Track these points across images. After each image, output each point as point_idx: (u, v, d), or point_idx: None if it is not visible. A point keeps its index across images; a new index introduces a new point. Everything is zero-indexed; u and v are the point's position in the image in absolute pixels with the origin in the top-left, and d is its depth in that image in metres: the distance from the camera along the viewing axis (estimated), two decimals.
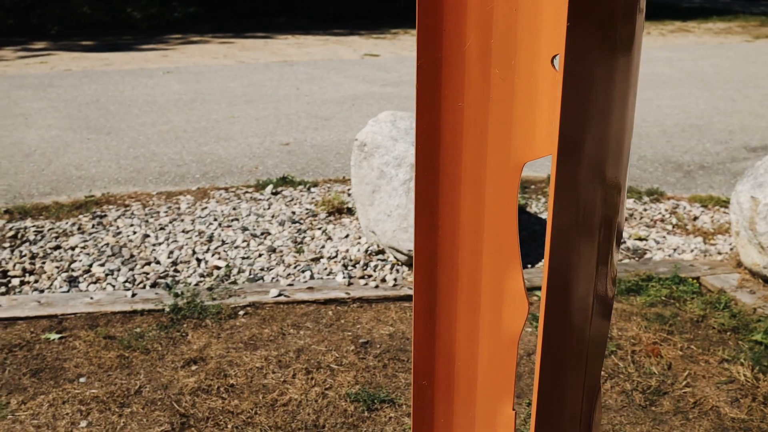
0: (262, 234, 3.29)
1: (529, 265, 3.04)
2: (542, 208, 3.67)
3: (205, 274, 2.94)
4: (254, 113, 5.99)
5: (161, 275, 2.92)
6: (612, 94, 0.72)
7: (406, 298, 2.78)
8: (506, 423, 0.99)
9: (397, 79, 7.72)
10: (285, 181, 4.02)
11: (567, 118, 0.67)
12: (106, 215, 3.53)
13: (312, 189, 3.91)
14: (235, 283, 2.88)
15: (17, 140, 5.06)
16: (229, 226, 3.38)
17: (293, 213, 3.54)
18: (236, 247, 3.16)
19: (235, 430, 2.01)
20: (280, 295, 2.76)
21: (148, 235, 3.28)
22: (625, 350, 2.41)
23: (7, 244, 3.19)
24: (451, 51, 0.89)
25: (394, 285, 2.85)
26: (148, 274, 2.93)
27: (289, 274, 2.93)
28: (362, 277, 2.90)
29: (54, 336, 2.51)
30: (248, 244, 3.19)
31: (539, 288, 2.87)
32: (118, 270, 2.96)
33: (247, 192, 3.88)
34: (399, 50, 10.70)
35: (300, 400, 2.15)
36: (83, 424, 2.04)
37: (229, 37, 13.29)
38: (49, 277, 2.91)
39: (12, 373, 2.29)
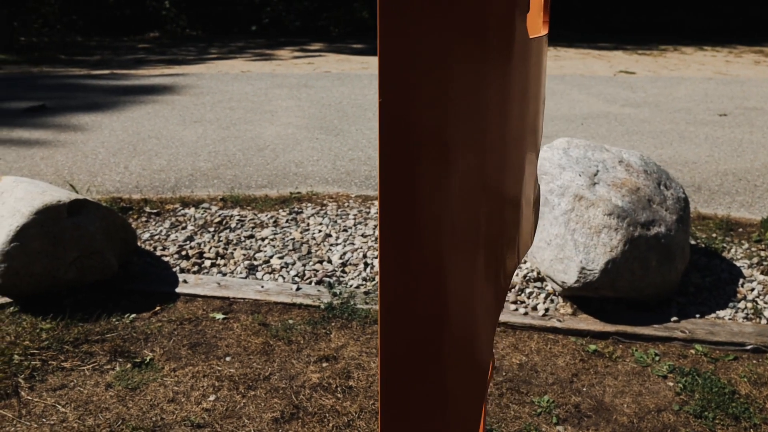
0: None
1: (698, 315, 2.82)
2: (741, 254, 3.36)
3: (367, 278, 3.10)
4: None
5: (328, 274, 3.13)
6: (485, 102, 0.70)
7: (552, 329, 2.72)
8: None
9: (640, 99, 7.40)
10: None
11: (394, 117, 0.68)
12: (301, 212, 3.83)
13: None
14: None
15: (257, 135, 5.62)
16: None
17: None
18: None
19: (334, 429, 2.13)
20: None
21: (330, 235, 3.51)
22: None
23: (212, 229, 3.60)
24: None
25: (544, 315, 2.80)
26: (317, 271, 3.15)
27: None
28: (514, 302, 2.88)
29: (219, 316, 2.80)
30: None
31: (701, 341, 2.67)
32: (293, 264, 3.21)
33: None
34: (659, 68, 10.20)
35: None
36: (211, 398, 2.28)
37: None
38: (234, 263, 3.24)
39: (175, 343, 2.61)
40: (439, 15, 0.62)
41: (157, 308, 2.85)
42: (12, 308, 2.79)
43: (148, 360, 2.49)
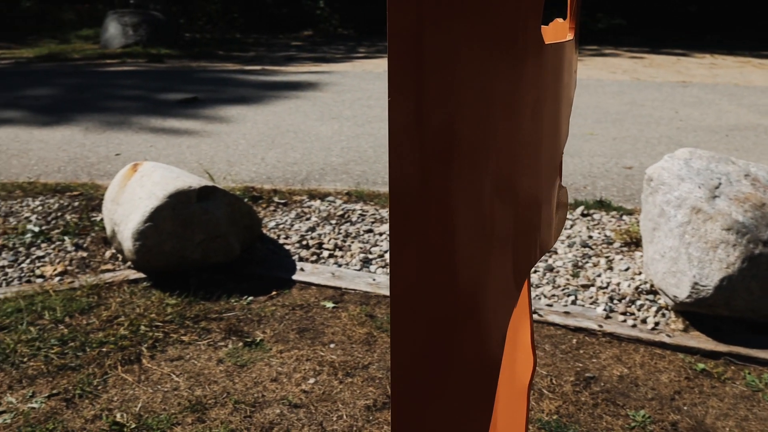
0: (548, 251, 3.36)
1: None
2: None
3: None
4: (615, 133, 5.93)
5: None
6: (493, 104, 0.73)
7: (660, 344, 2.65)
8: None
9: None
10: (601, 204, 3.99)
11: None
12: None
13: (624, 217, 3.83)
14: None
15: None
16: None
17: (590, 237, 3.53)
18: None
19: None
20: (534, 312, 2.83)
21: None
22: None
23: (333, 221, 3.74)
24: None
25: (653, 328, 2.72)
26: None
27: (553, 295, 2.98)
28: (623, 313, 2.82)
29: (330, 304, 2.92)
30: None
31: None
32: None
33: None
34: None
35: None
36: (311, 381, 2.39)
37: (645, 51, 13.02)
38: (351, 255, 3.35)
39: (285, 326, 2.75)
40: (447, 16, 0.67)
41: (273, 293, 3.00)
42: (145, 283, 3.03)
43: (258, 340, 2.64)
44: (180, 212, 2.96)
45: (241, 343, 2.62)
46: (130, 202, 3.04)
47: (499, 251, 0.78)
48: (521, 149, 0.76)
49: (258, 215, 3.44)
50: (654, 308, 2.84)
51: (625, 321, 2.78)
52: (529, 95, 0.74)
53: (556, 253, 3.36)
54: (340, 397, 2.31)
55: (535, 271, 3.18)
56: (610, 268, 3.18)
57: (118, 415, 2.18)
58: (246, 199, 3.87)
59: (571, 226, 3.69)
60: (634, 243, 3.41)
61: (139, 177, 3.13)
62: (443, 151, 0.72)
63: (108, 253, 3.33)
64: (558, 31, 0.88)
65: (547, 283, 3.07)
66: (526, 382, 1.12)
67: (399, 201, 0.74)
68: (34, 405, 2.24)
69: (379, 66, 10.04)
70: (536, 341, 2.66)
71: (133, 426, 2.13)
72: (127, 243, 2.99)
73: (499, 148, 0.74)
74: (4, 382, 2.36)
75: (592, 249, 3.40)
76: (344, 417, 2.22)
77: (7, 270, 3.18)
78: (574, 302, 2.92)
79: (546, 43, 0.74)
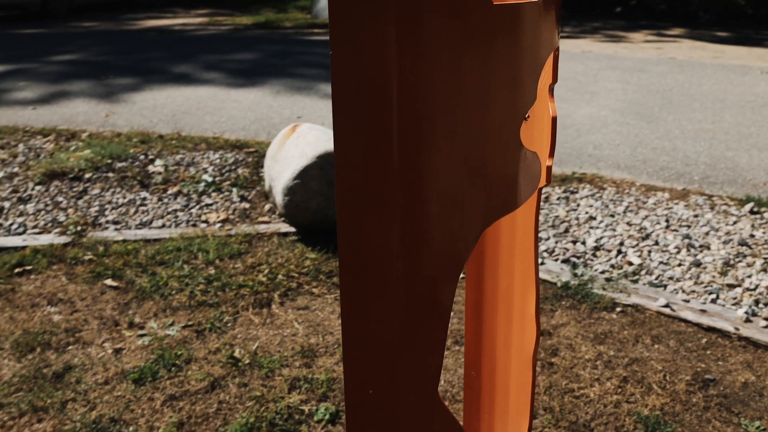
0: (699, 246, 3.18)
1: None
2: None
3: (615, 265, 3.04)
4: None
5: (578, 255, 3.12)
6: (431, 70, 0.76)
7: None
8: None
9: None
10: None
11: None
12: (576, 192, 3.82)
13: None
14: (636, 282, 2.91)
15: (568, 114, 5.61)
16: (675, 231, 3.34)
17: (752, 236, 3.29)
18: (663, 251, 3.14)
19: None
20: (666, 306, 2.71)
21: (594, 218, 3.47)
22: None
23: None
24: None
25: None
26: (567, 250, 3.16)
27: (693, 291, 2.83)
28: (767, 319, 2.63)
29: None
30: (678, 252, 3.13)
31: None
32: (546, 239, 3.25)
33: (724, 204, 3.71)
34: None
35: (592, 399, 2.20)
36: None
37: None
38: None
39: None
40: None
41: None
42: (293, 237, 3.24)
43: None
44: (327, 172, 3.13)
45: None
46: (285, 160, 3.25)
47: (441, 214, 0.81)
48: (465, 110, 0.78)
49: None
50: None
51: (766, 327, 2.59)
52: (473, 54, 0.76)
53: (708, 248, 3.18)
54: (445, 363, 2.37)
55: (679, 265, 3.03)
56: (765, 270, 2.96)
57: (237, 351, 2.39)
58: None
59: (734, 222, 3.46)
60: None
61: (296, 137, 3.33)
62: (383, 112, 0.75)
63: (267, 207, 3.59)
64: None
65: (690, 278, 2.92)
66: (530, 352, 1.13)
67: (344, 159, 0.79)
68: (170, 332, 2.50)
69: (578, 46, 9.76)
70: (659, 335, 2.56)
71: (247, 362, 2.33)
72: (279, 198, 3.21)
73: (441, 107, 0.76)
74: (151, 310, 2.65)
75: (751, 248, 3.17)
76: (442, 382, 2.28)
77: (179, 213, 3.52)
78: (714, 301, 2.76)
79: (496, 3, 0.76)
